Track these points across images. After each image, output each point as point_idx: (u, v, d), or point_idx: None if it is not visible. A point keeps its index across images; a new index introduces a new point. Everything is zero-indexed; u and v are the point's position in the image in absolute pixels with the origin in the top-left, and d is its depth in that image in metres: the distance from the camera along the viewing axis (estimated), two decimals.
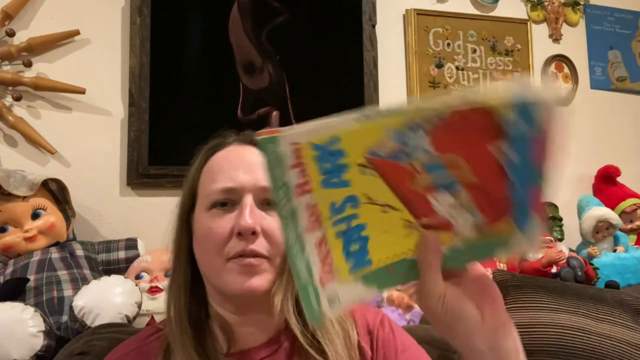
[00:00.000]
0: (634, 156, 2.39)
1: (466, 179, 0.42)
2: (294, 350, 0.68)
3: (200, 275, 0.70)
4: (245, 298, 0.65)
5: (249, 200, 0.66)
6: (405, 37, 2.09)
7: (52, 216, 1.44)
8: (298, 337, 0.66)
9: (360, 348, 0.70)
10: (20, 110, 1.61)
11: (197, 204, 0.70)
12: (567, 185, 2.23)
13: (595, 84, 2.38)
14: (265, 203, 0.67)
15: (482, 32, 2.17)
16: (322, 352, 0.66)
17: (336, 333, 0.68)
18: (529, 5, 2.29)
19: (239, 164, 0.69)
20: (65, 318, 1.22)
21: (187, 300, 0.68)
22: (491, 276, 1.59)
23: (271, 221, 0.66)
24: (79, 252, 1.44)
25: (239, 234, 0.64)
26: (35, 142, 1.60)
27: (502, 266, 1.85)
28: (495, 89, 0.39)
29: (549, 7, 2.32)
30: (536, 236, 0.44)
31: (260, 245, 0.64)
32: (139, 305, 1.22)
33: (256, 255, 0.64)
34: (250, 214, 0.64)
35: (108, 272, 1.37)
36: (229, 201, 0.66)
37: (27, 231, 1.39)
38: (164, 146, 1.70)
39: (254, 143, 0.72)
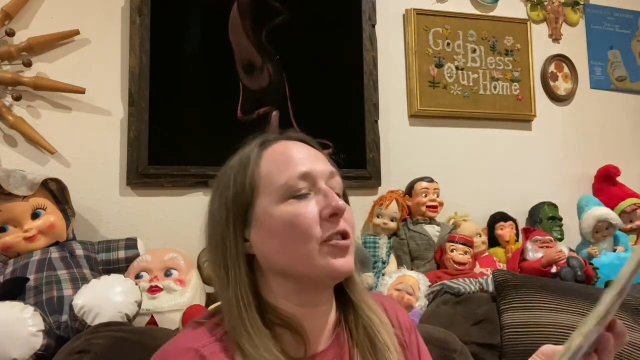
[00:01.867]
0: (634, 156, 2.40)
1: None
2: (352, 345, 0.71)
3: (258, 277, 0.69)
4: (333, 281, 0.68)
5: (324, 185, 0.67)
6: (405, 37, 2.09)
7: (52, 216, 1.44)
8: (353, 331, 0.70)
9: (398, 338, 0.74)
10: (20, 110, 1.61)
11: (261, 199, 0.67)
12: (567, 185, 2.23)
13: (595, 84, 2.38)
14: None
15: (482, 32, 2.17)
16: (373, 345, 0.69)
17: (381, 324, 0.72)
18: (529, 5, 2.29)
19: (303, 153, 0.69)
20: (65, 317, 1.22)
21: (257, 304, 0.66)
22: (491, 276, 1.59)
23: (345, 205, 0.68)
24: (79, 252, 1.44)
25: (333, 216, 0.65)
26: (35, 142, 1.60)
27: (502, 266, 1.85)
28: None
29: (549, 7, 2.32)
30: None
31: (346, 226, 0.67)
32: (139, 305, 1.22)
33: (347, 236, 0.66)
34: (334, 198, 0.66)
35: (108, 272, 1.37)
36: (305, 188, 0.67)
37: (27, 231, 1.39)
38: (164, 146, 1.70)
39: (300, 139, 0.73)
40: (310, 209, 0.65)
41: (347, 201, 0.72)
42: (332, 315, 0.72)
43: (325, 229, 0.65)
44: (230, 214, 0.68)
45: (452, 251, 1.75)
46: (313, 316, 0.69)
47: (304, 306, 0.68)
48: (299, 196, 0.66)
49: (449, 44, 2.12)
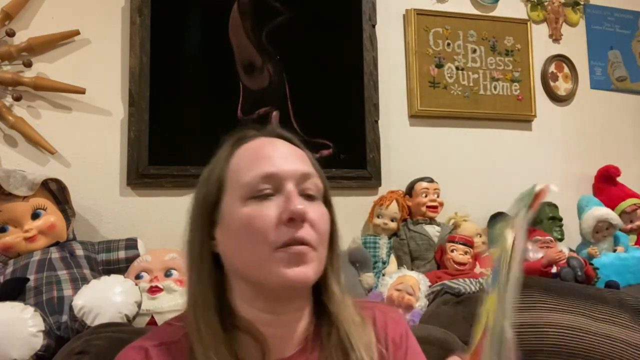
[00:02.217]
0: (634, 156, 2.39)
1: None
2: (321, 358, 0.66)
3: (223, 275, 0.66)
4: (290, 290, 0.63)
5: (291, 187, 0.63)
6: (405, 37, 2.09)
7: (52, 216, 1.44)
8: (325, 343, 0.66)
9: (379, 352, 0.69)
10: (20, 110, 1.61)
11: (227, 197, 0.65)
12: (567, 185, 2.23)
13: (595, 84, 2.38)
14: (303, 194, 0.64)
15: (482, 32, 2.17)
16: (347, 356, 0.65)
17: (360, 338, 0.67)
18: (529, 5, 2.29)
19: (274, 152, 0.66)
20: (65, 318, 1.22)
21: (217, 304, 0.64)
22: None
23: (316, 209, 0.64)
24: (79, 252, 1.44)
25: (289, 220, 0.61)
26: (35, 142, 1.60)
27: None
28: None
29: (549, 7, 2.32)
30: None
31: (308, 233, 0.62)
32: (139, 305, 1.22)
33: (305, 243, 0.61)
34: (298, 201, 0.62)
35: (108, 272, 1.37)
36: (269, 189, 0.63)
37: (27, 231, 1.39)
38: (164, 146, 1.70)
39: (279, 136, 0.70)
40: (268, 211, 0.62)
41: (328, 205, 0.68)
42: (302, 325, 0.67)
43: (282, 234, 0.61)
44: (199, 209, 0.67)
45: (452, 251, 1.75)
46: (277, 324, 0.65)
47: (267, 312, 0.65)
48: (260, 197, 0.63)
49: (449, 44, 2.12)
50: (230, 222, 0.64)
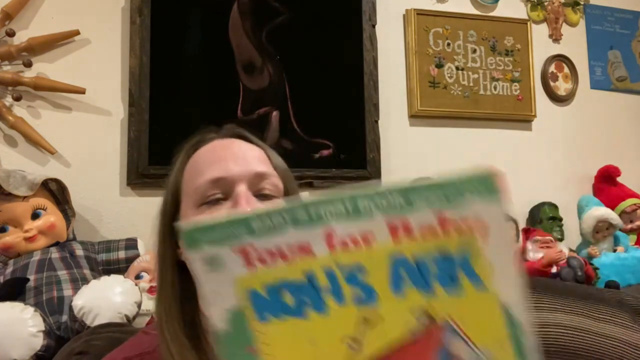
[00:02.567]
0: (634, 156, 2.39)
1: None
2: None
3: (191, 283, 0.66)
4: None
5: (242, 189, 0.61)
6: (405, 37, 2.09)
7: (52, 216, 1.44)
8: None
9: None
10: (20, 110, 1.61)
11: (183, 205, 0.65)
12: (567, 185, 2.23)
13: (595, 84, 2.38)
14: (259, 194, 0.63)
15: (482, 32, 2.16)
16: None
17: None
18: (529, 5, 2.29)
19: (226, 154, 0.64)
20: (65, 318, 1.22)
21: (180, 312, 0.62)
22: None
23: None
24: (79, 252, 1.44)
25: None
26: (35, 142, 1.60)
27: None
28: None
29: (549, 7, 2.32)
30: None
31: None
32: (139, 305, 1.22)
33: None
34: (247, 203, 0.60)
35: (108, 272, 1.37)
36: (220, 194, 0.62)
37: (27, 231, 1.39)
38: (164, 146, 1.70)
39: (237, 135, 0.68)
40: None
41: None
42: None
43: None
44: (162, 219, 0.67)
45: None
46: None
47: None
48: (210, 202, 0.61)
49: (449, 44, 2.12)
50: None
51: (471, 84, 2.12)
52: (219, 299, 0.38)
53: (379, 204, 0.37)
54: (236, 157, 0.64)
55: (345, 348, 0.37)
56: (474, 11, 2.20)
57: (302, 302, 0.37)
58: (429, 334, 0.37)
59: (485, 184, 0.40)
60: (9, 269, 1.35)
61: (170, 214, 0.66)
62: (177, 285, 0.64)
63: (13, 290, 1.24)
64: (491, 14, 2.22)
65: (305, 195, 0.50)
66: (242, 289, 0.37)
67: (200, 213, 0.61)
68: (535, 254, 1.71)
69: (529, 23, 2.24)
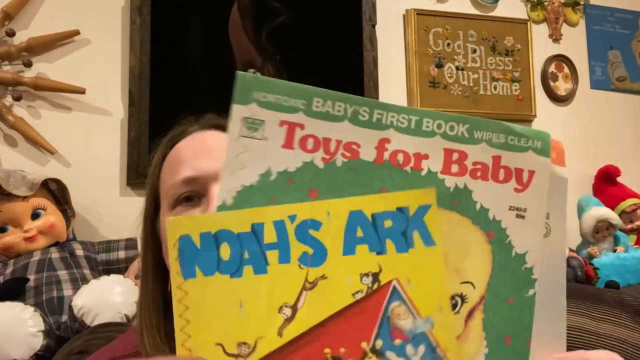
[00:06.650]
0: (634, 156, 2.39)
1: None
2: None
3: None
4: None
5: (216, 190, 0.55)
6: (405, 37, 2.09)
7: (52, 216, 1.44)
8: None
9: None
10: (20, 110, 1.61)
11: (162, 207, 0.62)
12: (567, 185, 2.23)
13: (595, 84, 2.38)
14: None
15: (482, 32, 2.17)
16: None
17: None
18: (529, 5, 2.29)
19: (201, 151, 0.61)
20: (65, 318, 1.22)
21: (161, 321, 0.61)
22: None
23: None
24: (79, 252, 1.44)
25: None
26: (35, 142, 1.60)
27: None
28: None
29: (549, 7, 2.32)
30: None
31: None
32: None
33: None
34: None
35: (108, 272, 1.37)
36: (193, 194, 0.58)
37: (27, 231, 1.39)
38: None
39: (217, 127, 0.65)
40: None
41: None
42: None
43: None
44: (143, 222, 0.66)
45: None
46: None
47: None
48: (184, 203, 0.58)
49: (449, 44, 2.12)
50: (163, 232, 0.61)
51: (471, 84, 2.12)
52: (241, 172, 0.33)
53: (443, 128, 0.36)
54: (212, 153, 0.60)
55: (280, 317, 0.32)
56: (474, 11, 2.20)
57: (239, 257, 0.32)
58: (372, 300, 0.33)
59: (544, 144, 0.40)
60: (9, 269, 1.35)
61: (151, 217, 0.64)
62: (160, 293, 0.62)
63: (13, 290, 1.24)
64: (491, 14, 2.22)
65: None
66: (174, 234, 0.32)
67: (175, 214, 0.58)
68: None
69: (529, 23, 2.24)
